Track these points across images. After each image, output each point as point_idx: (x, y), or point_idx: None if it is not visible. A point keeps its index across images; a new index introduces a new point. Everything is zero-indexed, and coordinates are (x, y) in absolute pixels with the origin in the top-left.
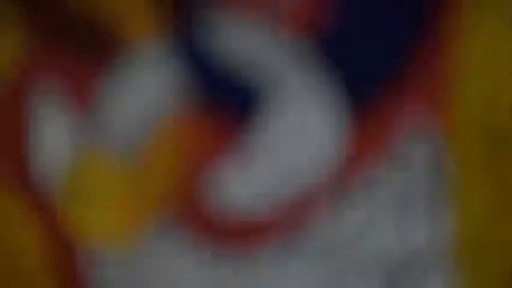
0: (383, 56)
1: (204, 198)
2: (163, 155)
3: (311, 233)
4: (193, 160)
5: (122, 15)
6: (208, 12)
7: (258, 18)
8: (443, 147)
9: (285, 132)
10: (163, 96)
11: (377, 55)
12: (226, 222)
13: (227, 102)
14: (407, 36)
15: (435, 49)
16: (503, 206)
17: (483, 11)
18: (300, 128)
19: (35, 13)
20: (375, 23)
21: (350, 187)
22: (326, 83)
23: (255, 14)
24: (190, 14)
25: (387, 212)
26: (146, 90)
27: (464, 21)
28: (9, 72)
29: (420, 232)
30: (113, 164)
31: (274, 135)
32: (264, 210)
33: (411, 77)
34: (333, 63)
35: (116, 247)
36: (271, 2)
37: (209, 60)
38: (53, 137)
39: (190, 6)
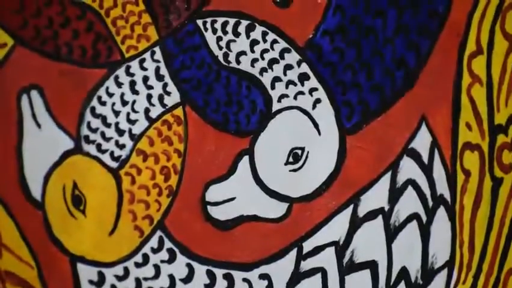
0: (383, 75)
1: (198, 205)
2: (158, 159)
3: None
4: (193, 167)
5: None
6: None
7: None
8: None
9: (283, 145)
10: (154, 103)
11: (376, 75)
12: (222, 229)
13: (222, 114)
14: (407, 57)
15: (435, 69)
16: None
17: None
18: (299, 140)
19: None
20: (375, 44)
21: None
22: (325, 98)
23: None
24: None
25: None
26: (137, 96)
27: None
28: None
29: (414, 252)
30: (103, 169)
31: (271, 146)
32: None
33: (412, 93)
34: (331, 78)
35: (108, 253)
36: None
37: (201, 71)
38: (41, 142)
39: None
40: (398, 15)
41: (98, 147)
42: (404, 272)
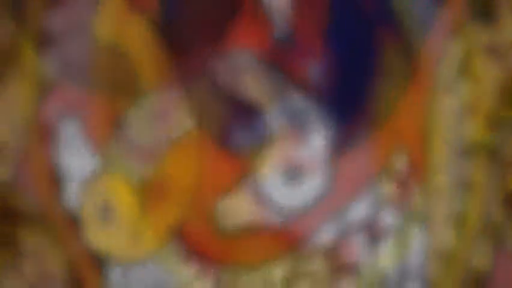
0: (363, 105)
1: (215, 217)
2: (176, 178)
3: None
4: (205, 184)
5: (140, 63)
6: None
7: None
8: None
9: (282, 165)
10: (173, 130)
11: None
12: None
13: (231, 137)
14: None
15: (410, 99)
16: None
17: None
18: (292, 162)
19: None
20: (356, 84)
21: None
22: (316, 127)
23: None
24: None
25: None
26: (160, 121)
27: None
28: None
29: (389, 257)
30: (131, 185)
31: (271, 166)
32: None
33: (386, 122)
34: (321, 110)
35: (131, 258)
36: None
37: (214, 101)
38: (76, 159)
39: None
40: None
41: (124, 167)
42: (382, 273)
